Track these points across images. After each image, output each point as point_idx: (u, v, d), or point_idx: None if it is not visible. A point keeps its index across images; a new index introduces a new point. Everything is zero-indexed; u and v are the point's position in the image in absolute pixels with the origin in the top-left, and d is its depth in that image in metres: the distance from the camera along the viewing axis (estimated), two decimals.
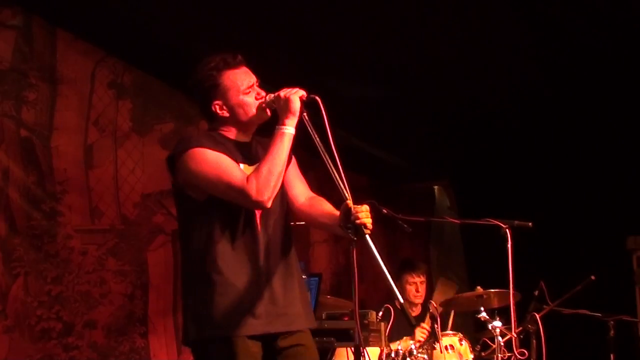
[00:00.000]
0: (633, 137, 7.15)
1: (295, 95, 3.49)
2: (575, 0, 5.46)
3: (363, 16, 5.70)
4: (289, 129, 3.48)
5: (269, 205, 3.44)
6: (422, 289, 6.71)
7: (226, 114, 3.62)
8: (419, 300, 6.68)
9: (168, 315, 6.39)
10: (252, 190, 3.39)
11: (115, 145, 6.25)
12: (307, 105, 3.50)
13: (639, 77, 6.35)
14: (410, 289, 6.65)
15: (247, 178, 3.42)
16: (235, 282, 3.49)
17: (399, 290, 3.38)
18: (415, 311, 6.71)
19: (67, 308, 5.83)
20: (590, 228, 7.47)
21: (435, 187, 9.39)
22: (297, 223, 3.89)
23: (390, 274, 3.28)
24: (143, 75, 6.43)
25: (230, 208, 3.51)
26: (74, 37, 6.05)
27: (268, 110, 3.60)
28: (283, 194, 3.66)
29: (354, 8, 5.58)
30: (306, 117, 3.49)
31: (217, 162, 3.48)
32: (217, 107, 3.61)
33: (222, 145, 3.56)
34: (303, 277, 5.27)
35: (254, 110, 3.60)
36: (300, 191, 3.77)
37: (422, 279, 6.73)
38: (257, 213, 3.56)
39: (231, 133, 3.65)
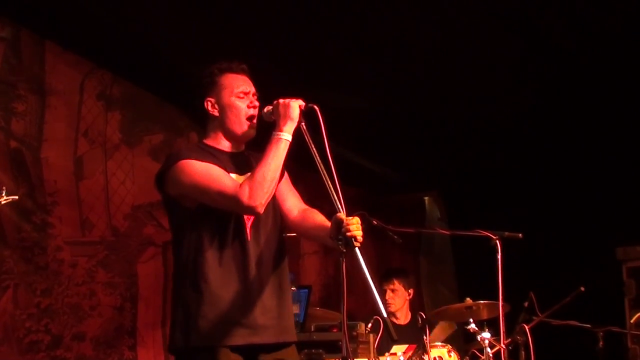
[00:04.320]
0: (623, 148, 7.22)
1: (295, 102, 3.61)
2: (565, 13, 5.54)
3: (352, 26, 5.77)
4: (286, 135, 3.57)
5: (261, 210, 3.54)
6: (390, 297, 6.82)
7: (215, 113, 3.75)
8: (391, 308, 6.77)
9: (157, 327, 6.45)
10: (244, 195, 3.48)
11: (105, 157, 6.30)
12: (305, 115, 3.60)
13: (629, 89, 6.43)
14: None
15: (241, 184, 3.52)
16: (222, 293, 3.59)
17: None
18: (402, 320, 6.81)
19: (56, 320, 5.84)
20: (580, 239, 7.56)
21: (426, 198, 9.45)
22: (288, 235, 3.95)
23: (377, 287, 3.37)
24: (132, 86, 6.49)
25: (220, 217, 3.62)
26: (63, 49, 6.10)
27: (255, 129, 3.70)
28: (275, 207, 3.78)
29: (344, 18, 5.66)
30: (304, 126, 3.58)
31: (207, 171, 3.59)
32: (209, 103, 3.76)
33: (212, 155, 3.69)
34: (292, 289, 5.37)
35: (242, 117, 3.72)
36: (293, 204, 3.88)
37: (392, 286, 6.85)
38: (248, 224, 3.67)
39: (220, 144, 3.77)
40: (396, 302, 6.86)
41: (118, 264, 6.26)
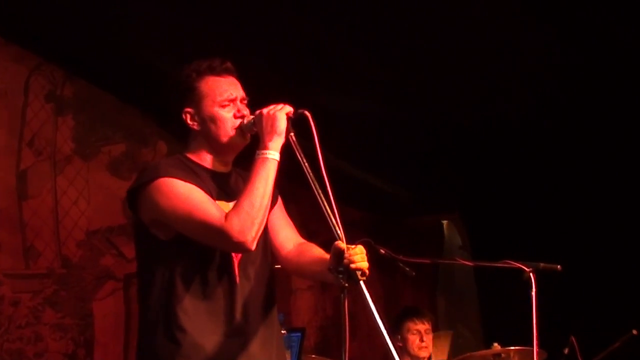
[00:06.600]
0: None
1: (282, 112, 3.47)
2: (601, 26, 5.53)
3: (358, 19, 5.71)
4: (273, 153, 3.46)
5: (253, 247, 3.40)
6: (428, 339, 6.69)
7: (196, 127, 3.62)
8: (425, 354, 6.64)
9: None
10: (234, 230, 3.34)
11: (55, 171, 6.27)
12: (295, 123, 3.48)
13: None
14: (414, 339, 6.62)
15: (226, 216, 3.37)
16: (203, 343, 3.47)
17: (398, 345, 3.37)
18: None
19: None
20: (630, 273, 7.50)
21: (444, 222, 9.43)
22: (276, 267, 3.87)
23: (387, 328, 3.24)
24: (87, 86, 6.47)
25: (203, 253, 3.49)
26: (5, 40, 6.05)
27: (248, 135, 3.58)
28: (266, 240, 3.65)
29: (347, 9, 5.58)
30: (293, 138, 3.47)
31: (190, 196, 3.45)
32: (187, 115, 3.63)
33: (195, 175, 3.54)
34: (282, 332, 5.28)
35: (228, 130, 3.59)
36: (287, 237, 3.80)
37: (427, 326, 6.70)
38: (236, 260, 3.55)
39: (205, 160, 3.63)
40: (431, 345, 6.71)
41: (69, 302, 6.21)
